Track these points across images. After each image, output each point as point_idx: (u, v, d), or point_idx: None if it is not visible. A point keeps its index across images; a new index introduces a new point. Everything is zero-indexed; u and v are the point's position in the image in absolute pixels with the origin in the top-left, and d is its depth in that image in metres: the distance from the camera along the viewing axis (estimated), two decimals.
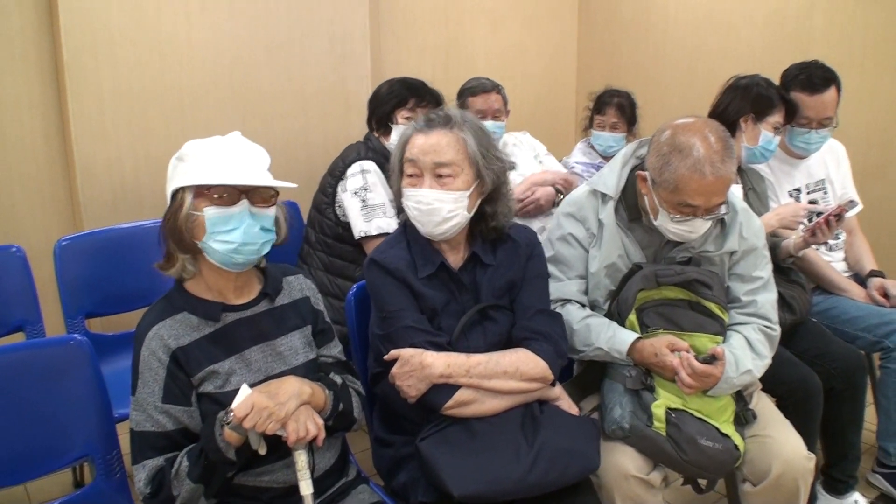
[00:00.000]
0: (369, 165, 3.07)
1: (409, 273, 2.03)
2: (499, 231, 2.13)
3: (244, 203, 1.76)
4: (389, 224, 2.96)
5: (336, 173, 3.14)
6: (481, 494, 1.82)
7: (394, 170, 2.10)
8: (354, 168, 3.09)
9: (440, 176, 2.00)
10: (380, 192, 3.02)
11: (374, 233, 2.97)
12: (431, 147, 2.00)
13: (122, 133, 3.65)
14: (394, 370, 1.96)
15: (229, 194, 1.75)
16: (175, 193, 1.78)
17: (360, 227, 2.99)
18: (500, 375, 1.97)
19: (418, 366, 1.92)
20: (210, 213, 1.74)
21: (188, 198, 1.75)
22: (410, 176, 2.02)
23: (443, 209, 1.99)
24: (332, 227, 3.13)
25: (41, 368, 1.99)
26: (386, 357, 1.98)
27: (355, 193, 3.02)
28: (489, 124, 3.57)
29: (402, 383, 1.95)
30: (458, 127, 2.03)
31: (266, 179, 1.79)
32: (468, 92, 3.63)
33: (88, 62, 3.52)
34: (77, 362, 2.03)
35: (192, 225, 1.76)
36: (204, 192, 1.75)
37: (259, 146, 1.86)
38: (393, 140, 3.15)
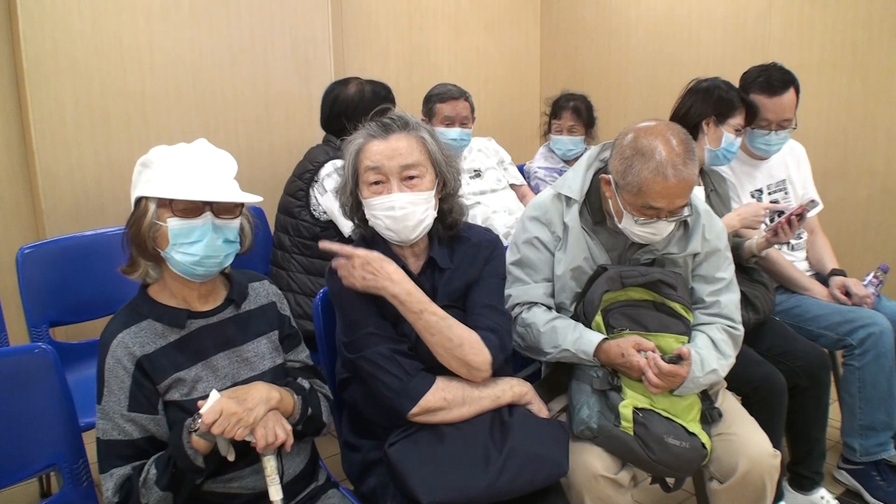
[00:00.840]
0: (340, 163, 3.05)
1: None
2: (455, 227, 2.13)
3: (208, 216, 1.75)
4: None
5: (306, 176, 3.14)
6: (450, 502, 1.82)
7: (345, 182, 2.06)
8: (328, 168, 3.10)
9: (409, 178, 1.99)
10: None
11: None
12: (395, 151, 1.98)
13: (84, 140, 3.62)
14: (354, 261, 1.93)
15: (193, 206, 1.74)
16: (139, 200, 1.77)
17: (348, 225, 2.97)
18: (443, 338, 1.94)
19: (381, 271, 1.92)
20: (173, 224, 1.73)
21: (151, 207, 1.74)
22: (375, 184, 1.99)
23: (416, 212, 1.99)
24: (310, 227, 3.13)
25: (5, 377, 1.96)
26: (338, 250, 1.96)
27: (336, 192, 3.00)
28: (457, 131, 3.59)
29: (351, 273, 1.93)
30: (416, 129, 2.04)
31: (230, 194, 1.77)
32: (436, 98, 3.64)
33: (49, 69, 3.49)
34: (42, 371, 2.00)
35: (156, 234, 1.75)
36: (167, 203, 1.73)
37: (226, 153, 1.85)
38: None
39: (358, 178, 2.03)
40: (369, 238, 2.10)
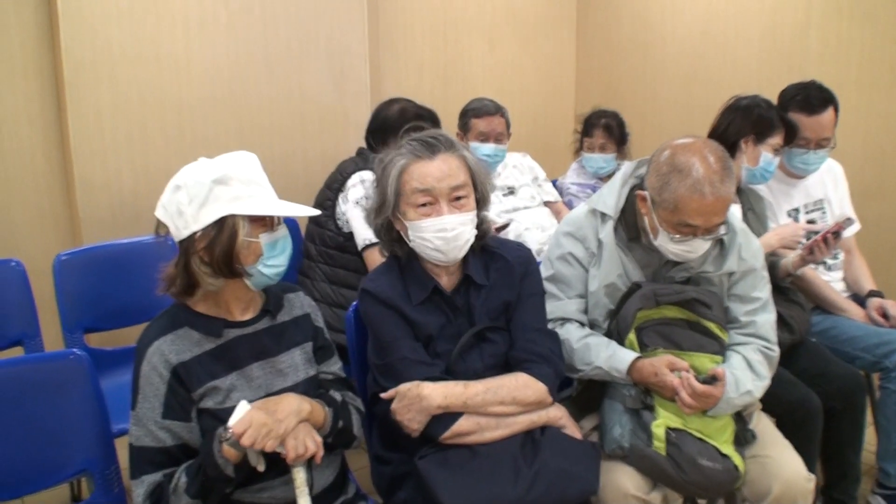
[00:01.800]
0: (368, 175, 3.07)
1: (402, 301, 2.03)
2: (484, 237, 2.12)
3: (283, 227, 1.82)
4: None
5: (334, 186, 3.16)
6: None
7: (387, 203, 2.02)
8: (354, 179, 3.11)
9: (457, 198, 1.99)
10: None
11: (375, 240, 2.96)
12: (444, 173, 1.98)
13: (122, 149, 3.66)
14: (393, 406, 1.96)
15: (272, 220, 1.79)
16: (222, 219, 1.74)
17: (363, 236, 3.00)
18: (496, 405, 1.96)
19: (415, 398, 1.92)
20: (266, 239, 1.77)
21: (244, 224, 1.75)
22: (423, 206, 1.98)
23: (465, 232, 2.00)
24: (334, 237, 3.15)
25: (40, 383, 1.99)
26: (383, 396, 1.98)
27: (357, 203, 3.04)
28: (491, 147, 3.59)
29: (402, 418, 1.94)
30: (458, 148, 2.04)
31: (307, 208, 1.88)
32: (472, 113, 3.65)
33: (88, 78, 3.53)
34: (76, 377, 2.03)
35: (247, 251, 1.76)
36: (257, 220, 1.76)
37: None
38: None
39: (399, 200, 2.01)
40: (403, 260, 2.10)
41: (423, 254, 2.03)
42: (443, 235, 1.97)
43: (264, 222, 1.77)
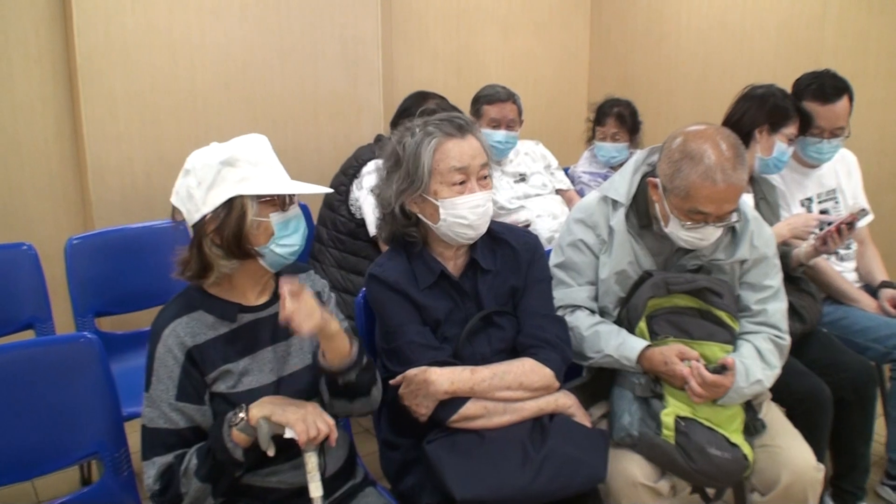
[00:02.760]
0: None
1: (409, 285, 2.03)
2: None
3: (296, 206, 1.82)
4: None
5: (350, 172, 3.16)
6: (484, 499, 1.81)
7: (417, 182, 2.00)
8: (370, 166, 3.12)
9: (483, 177, 2.03)
10: None
11: None
12: (476, 151, 2.01)
13: (134, 134, 3.68)
14: (401, 391, 1.96)
15: (282, 199, 1.78)
16: (231, 200, 1.73)
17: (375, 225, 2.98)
18: (503, 390, 1.97)
19: (422, 384, 1.92)
20: (276, 218, 1.76)
21: (252, 204, 1.74)
22: (459, 184, 2.00)
23: (490, 209, 2.04)
24: (346, 223, 3.16)
25: (51, 366, 2.00)
26: (392, 382, 1.99)
27: (371, 191, 3.01)
28: (502, 134, 3.58)
29: (409, 403, 1.95)
30: (477, 129, 2.07)
31: (318, 186, 1.86)
32: (484, 99, 3.63)
33: (101, 64, 3.55)
34: (87, 360, 2.03)
35: (258, 231, 1.76)
36: (267, 200, 1.75)
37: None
38: None
39: (432, 179, 2.00)
40: (414, 245, 2.09)
41: (451, 231, 2.02)
42: (477, 211, 2.00)
43: (274, 202, 1.76)
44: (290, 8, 4.04)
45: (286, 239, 1.79)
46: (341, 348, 1.81)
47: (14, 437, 1.95)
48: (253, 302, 1.88)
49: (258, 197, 1.74)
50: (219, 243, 1.75)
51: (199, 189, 1.73)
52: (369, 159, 3.14)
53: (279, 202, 1.77)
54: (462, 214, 1.99)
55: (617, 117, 3.93)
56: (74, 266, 2.94)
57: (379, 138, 3.28)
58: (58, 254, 2.99)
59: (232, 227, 1.73)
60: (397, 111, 3.31)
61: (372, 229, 3.01)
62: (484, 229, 2.05)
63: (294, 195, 1.82)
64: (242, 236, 1.74)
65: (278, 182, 1.76)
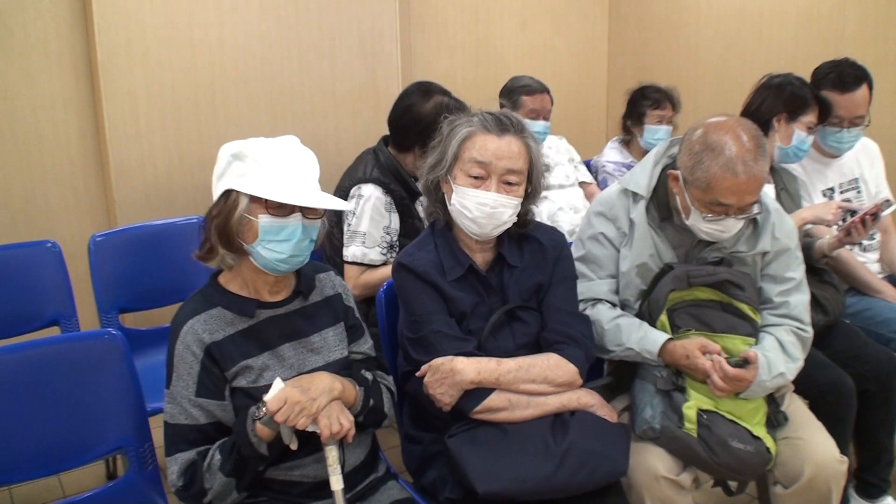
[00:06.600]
0: (367, 190, 2.89)
1: (438, 276, 2.03)
2: (527, 226, 2.13)
3: (298, 216, 1.77)
4: (364, 254, 2.85)
5: (343, 188, 3.00)
6: (506, 492, 1.82)
7: (443, 163, 2.04)
8: (354, 190, 2.93)
9: (508, 183, 2.00)
10: (364, 221, 2.86)
11: (348, 259, 2.86)
12: (505, 153, 1.99)
13: (155, 132, 3.70)
14: (426, 379, 1.96)
15: (284, 206, 1.75)
16: (228, 192, 1.77)
17: (349, 249, 2.89)
18: (528, 383, 1.97)
19: (449, 372, 1.92)
20: (264, 220, 1.75)
21: (243, 201, 1.75)
22: (475, 178, 1.99)
23: (504, 214, 2.00)
24: (338, 245, 3.03)
25: (76, 362, 2.02)
26: (418, 374, 1.99)
27: (346, 214, 2.91)
28: (541, 124, 3.61)
29: (434, 391, 1.95)
30: (527, 134, 2.04)
31: (326, 200, 1.79)
32: (523, 90, 3.65)
33: (122, 62, 3.57)
34: (111, 356, 2.05)
35: (244, 228, 1.76)
36: (261, 199, 1.75)
37: (311, 152, 1.86)
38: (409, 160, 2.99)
39: (455, 164, 2.03)
40: (439, 228, 2.11)
41: (459, 221, 2.04)
42: (482, 208, 1.98)
43: (267, 204, 1.74)
44: (308, 3, 4.04)
45: (274, 244, 1.76)
46: (347, 401, 1.84)
47: (40, 432, 1.97)
48: (269, 299, 1.90)
49: (251, 196, 1.75)
50: (214, 231, 1.79)
51: (214, 177, 1.80)
52: (360, 180, 2.93)
53: (273, 206, 1.74)
54: (466, 205, 1.99)
55: (673, 100, 3.94)
56: (98, 263, 2.97)
57: (379, 149, 3.05)
58: (81, 251, 3.02)
59: (220, 218, 1.77)
60: (399, 110, 3.01)
61: (345, 253, 2.89)
62: (490, 231, 2.02)
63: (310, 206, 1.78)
64: (228, 229, 1.76)
65: (277, 186, 1.74)
